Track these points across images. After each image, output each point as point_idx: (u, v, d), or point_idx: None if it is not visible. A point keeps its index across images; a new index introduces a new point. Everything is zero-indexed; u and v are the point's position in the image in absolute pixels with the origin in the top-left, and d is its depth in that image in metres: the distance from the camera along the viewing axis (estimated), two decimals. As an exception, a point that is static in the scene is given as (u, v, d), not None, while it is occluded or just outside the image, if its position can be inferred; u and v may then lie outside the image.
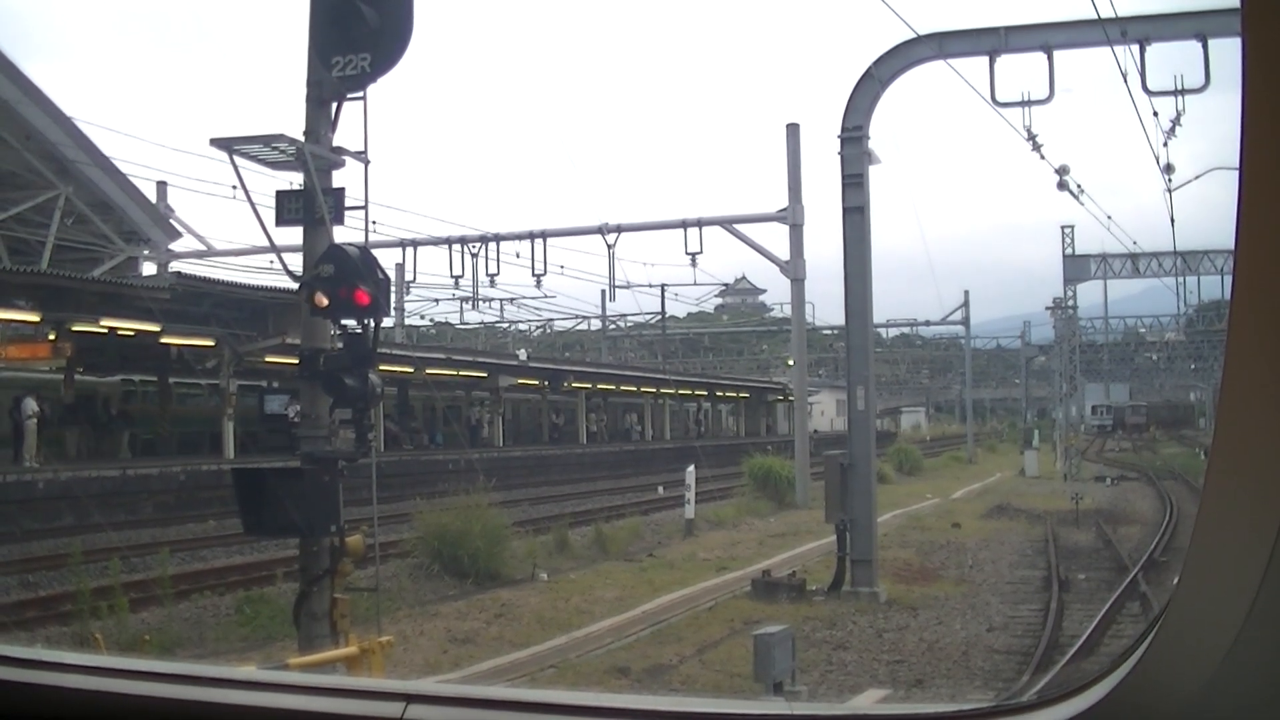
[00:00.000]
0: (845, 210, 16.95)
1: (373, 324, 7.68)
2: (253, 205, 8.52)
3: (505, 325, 65.54)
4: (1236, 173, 1.40)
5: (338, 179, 8.63)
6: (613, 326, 67.42)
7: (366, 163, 8.16)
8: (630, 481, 39.13)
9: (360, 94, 8.06)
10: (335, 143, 8.61)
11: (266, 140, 8.16)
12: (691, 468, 25.28)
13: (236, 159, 8.38)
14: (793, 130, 30.81)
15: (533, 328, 70.69)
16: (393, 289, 48.51)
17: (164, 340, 32.37)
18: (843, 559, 16.68)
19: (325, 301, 7.47)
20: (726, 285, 48.87)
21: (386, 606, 15.85)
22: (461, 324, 66.22)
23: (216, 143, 8.42)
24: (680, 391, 61.20)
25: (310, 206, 8.12)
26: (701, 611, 15.53)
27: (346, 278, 7.34)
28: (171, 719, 2.31)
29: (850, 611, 15.50)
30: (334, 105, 8.36)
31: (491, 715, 2.21)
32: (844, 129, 16.85)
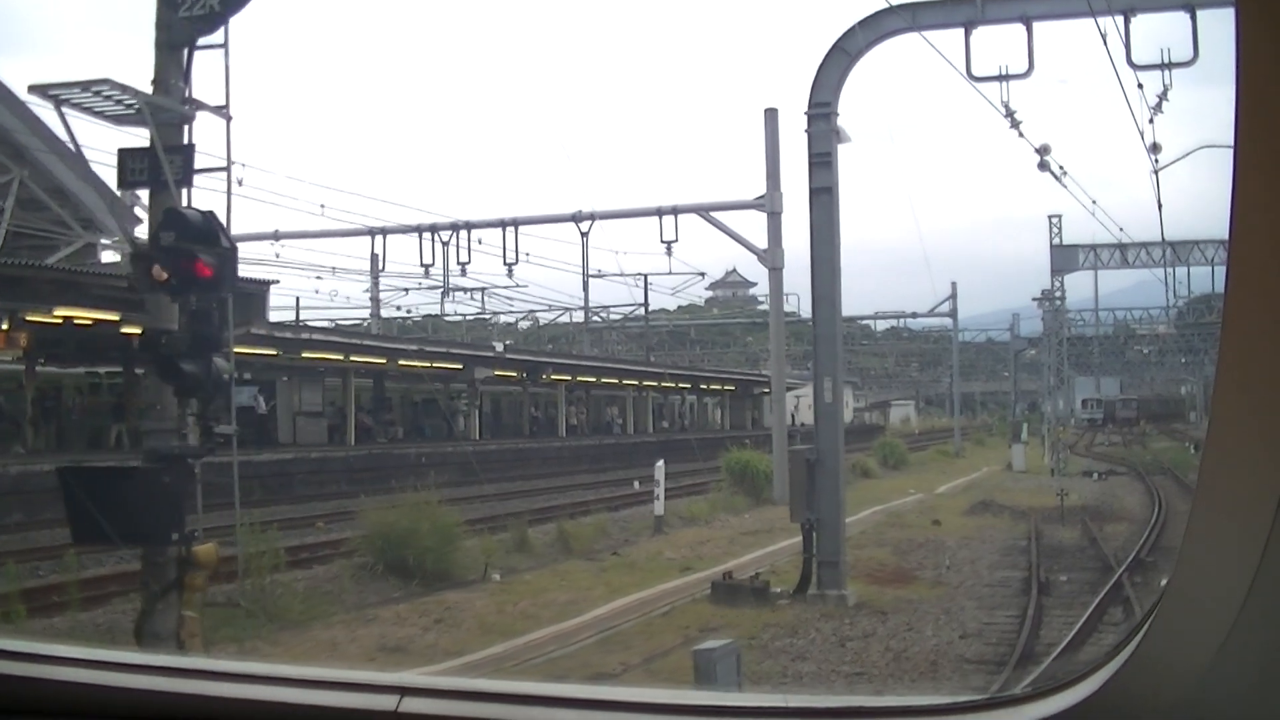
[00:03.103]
0: (813, 191, 16.02)
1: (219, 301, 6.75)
2: (85, 163, 7.47)
3: (488, 317, 64.72)
4: (1230, 161, 1.37)
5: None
6: (596, 319, 66.47)
7: (228, 119, 7.21)
8: (607, 476, 38.20)
9: (221, 40, 7.12)
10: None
11: (90, 87, 7.14)
12: (661, 463, 24.33)
13: (73, 111, 7.37)
14: (771, 115, 29.76)
15: (518, 320, 69.88)
16: (377, 278, 47.49)
17: (125, 330, 31.41)
18: (809, 560, 15.77)
19: (165, 275, 6.52)
20: (703, 274, 47.94)
21: (322, 610, 14.96)
22: (446, 316, 65.36)
23: (35, 89, 7.39)
24: (663, 384, 60.34)
25: (156, 167, 7.16)
26: (656, 617, 14.62)
27: (186, 248, 6.38)
28: (166, 712, 2.29)
29: (815, 617, 14.60)
30: (185, 52, 7.37)
31: (485, 707, 2.19)
32: (811, 105, 15.92)
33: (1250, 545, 1.54)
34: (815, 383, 16.23)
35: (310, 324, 50.96)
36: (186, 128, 7.33)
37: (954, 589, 17.47)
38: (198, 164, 7.89)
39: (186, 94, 7.34)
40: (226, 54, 7.10)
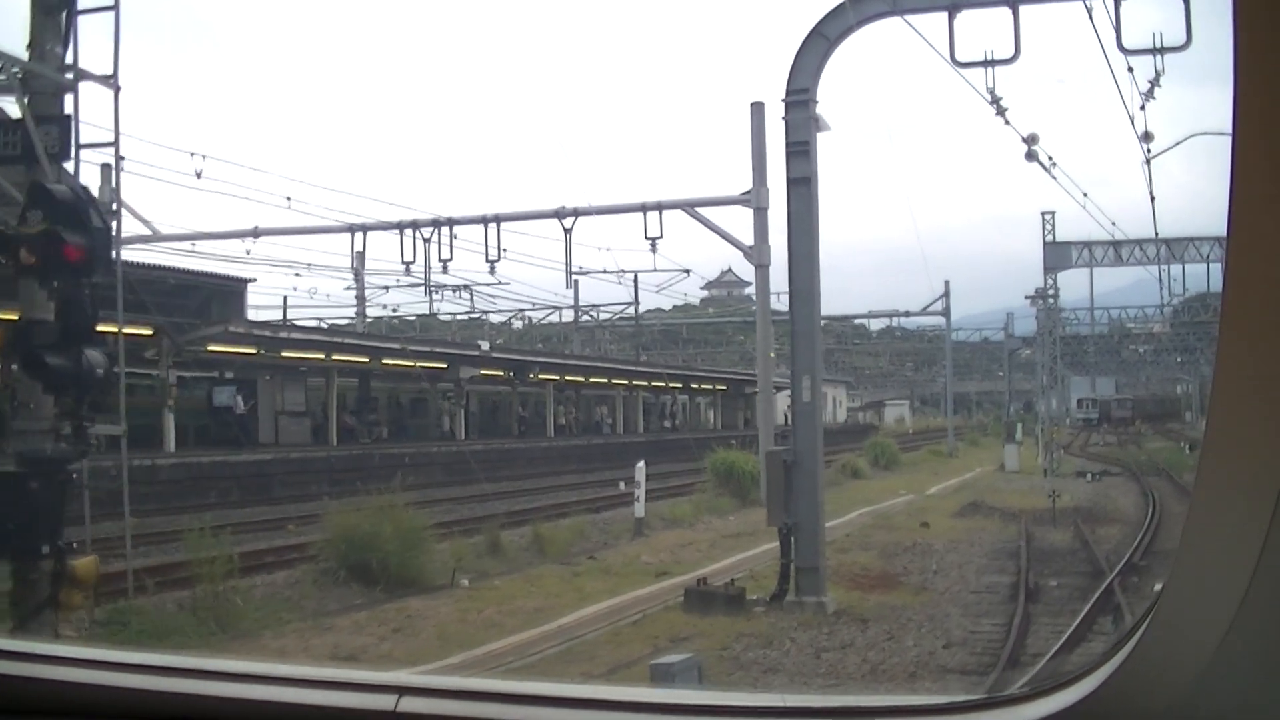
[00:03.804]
0: (790, 181, 15.40)
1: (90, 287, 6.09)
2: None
3: (478, 316, 64.08)
4: (1228, 156, 1.36)
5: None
6: (587, 317, 65.86)
7: (115, 89, 6.55)
8: (594, 476, 37.57)
9: (109, 2, 6.45)
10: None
11: (-59, 47, 6.47)
12: (641, 464, 23.67)
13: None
14: (757, 109, 29.07)
15: (509, 319, 69.23)
16: (362, 276, 46.99)
17: (98, 329, 30.75)
18: (786, 566, 15.12)
19: (32, 258, 5.89)
20: (688, 271, 47.24)
21: (276, 618, 14.36)
22: (440, 315, 64.70)
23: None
24: (654, 384, 59.70)
25: (30, 139, 6.49)
26: (625, 625, 13.95)
27: (53, 228, 5.73)
28: (164, 711, 2.30)
29: (791, 626, 13.94)
30: (65, 13, 6.68)
31: (484, 707, 2.19)
32: (789, 92, 15.28)
33: (1248, 544, 1.53)
34: (793, 381, 15.59)
35: (297, 323, 50.39)
36: (68, 97, 6.66)
37: (939, 595, 16.85)
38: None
39: (66, 60, 6.65)
40: (116, 16, 6.46)
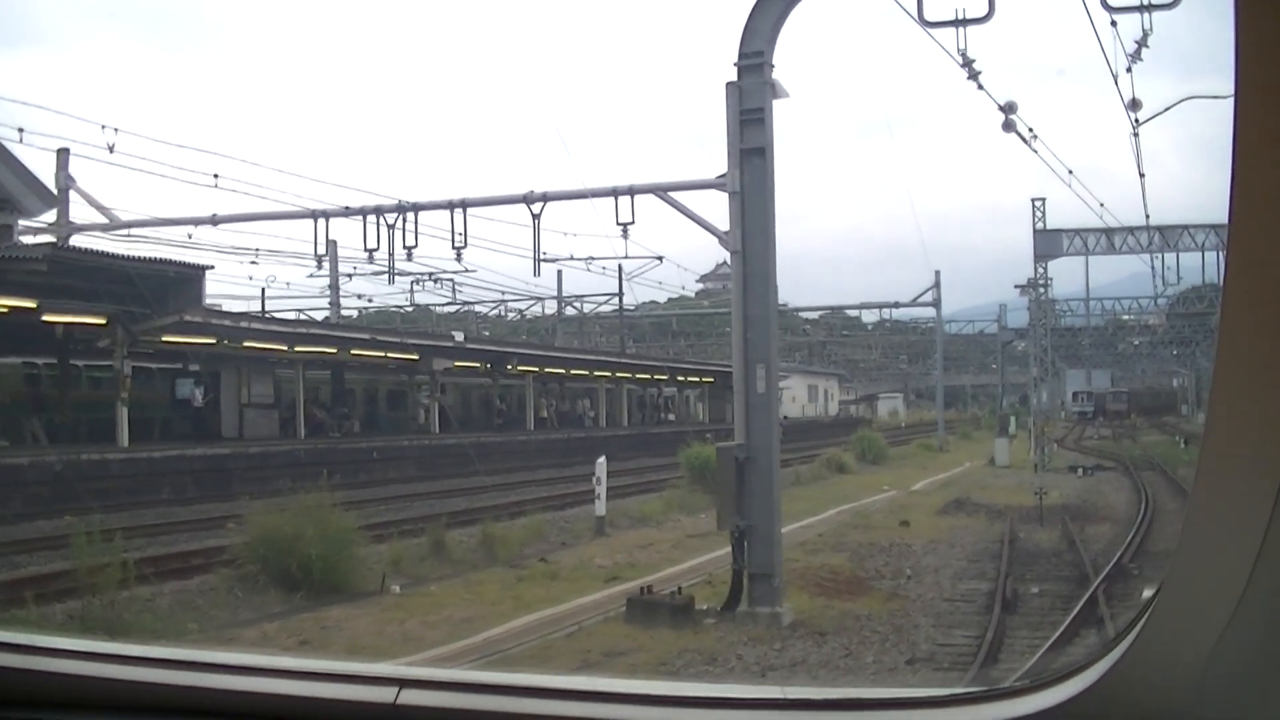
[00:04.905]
0: (743, 152, 14.27)
1: None
2: None
3: (459, 308, 62.93)
4: (1230, 152, 1.31)
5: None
6: (571, 308, 64.64)
7: None
8: (570, 471, 36.23)
9: None
10: None
11: None
12: (602, 459, 22.40)
13: None
14: (732, 89, 27.86)
15: (490, 310, 68.01)
16: (336, 265, 45.64)
17: (46, 318, 29.55)
18: (739, 573, 13.84)
19: None
20: (661, 258, 45.89)
21: (178, 628, 13.22)
22: (433, 307, 63.52)
23: None
24: (639, 376, 58.51)
25: None
26: (558, 638, 12.68)
27: None
28: (164, 704, 2.29)
29: (741, 640, 12.67)
30: None
31: (484, 699, 2.21)
32: (742, 55, 14.09)
33: (1249, 540, 1.52)
34: (747, 370, 14.37)
35: (275, 314, 49.16)
36: None
37: (911, 603, 15.59)
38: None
39: None
40: None
